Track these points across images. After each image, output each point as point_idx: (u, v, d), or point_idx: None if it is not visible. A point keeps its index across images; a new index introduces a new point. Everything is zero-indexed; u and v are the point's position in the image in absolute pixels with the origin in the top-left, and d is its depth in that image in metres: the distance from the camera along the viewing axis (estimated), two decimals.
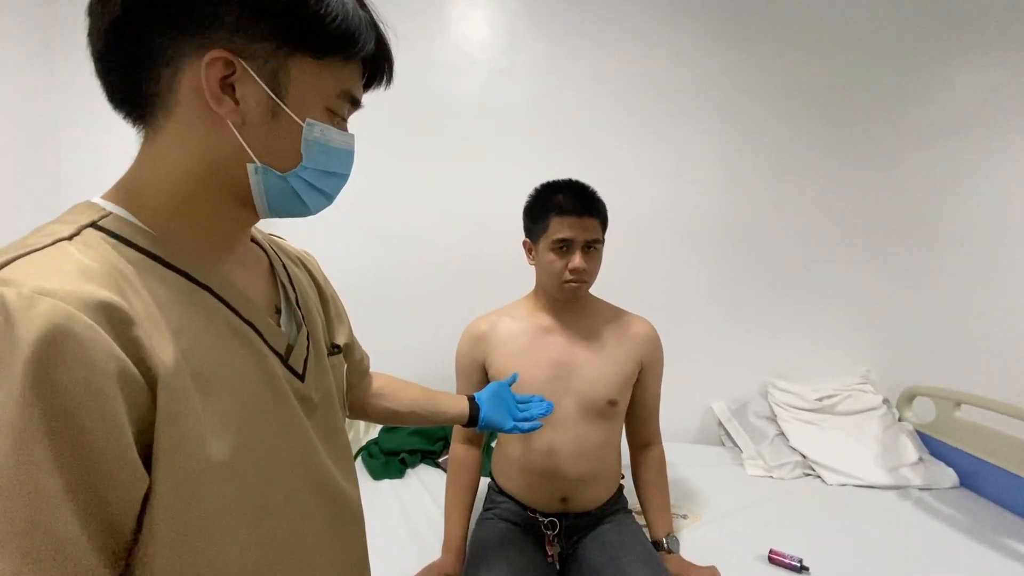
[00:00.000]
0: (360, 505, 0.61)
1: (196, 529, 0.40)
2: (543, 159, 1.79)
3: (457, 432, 1.19)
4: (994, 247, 1.86)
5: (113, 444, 0.34)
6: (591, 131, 1.85)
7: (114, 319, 0.35)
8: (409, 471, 1.54)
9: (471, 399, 0.91)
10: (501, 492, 1.17)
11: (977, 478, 1.51)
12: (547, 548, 1.07)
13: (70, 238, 0.38)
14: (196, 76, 0.41)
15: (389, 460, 1.54)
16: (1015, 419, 1.36)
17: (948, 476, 1.54)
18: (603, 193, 1.11)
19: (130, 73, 0.42)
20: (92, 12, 0.42)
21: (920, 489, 1.50)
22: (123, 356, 0.35)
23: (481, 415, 0.89)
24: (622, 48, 1.82)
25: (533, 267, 1.15)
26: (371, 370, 0.83)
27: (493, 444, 1.32)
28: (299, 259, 0.66)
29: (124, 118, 0.45)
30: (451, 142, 1.83)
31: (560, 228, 1.04)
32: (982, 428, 1.52)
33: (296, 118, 0.45)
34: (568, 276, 1.05)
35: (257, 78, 0.42)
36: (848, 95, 1.85)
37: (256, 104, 0.43)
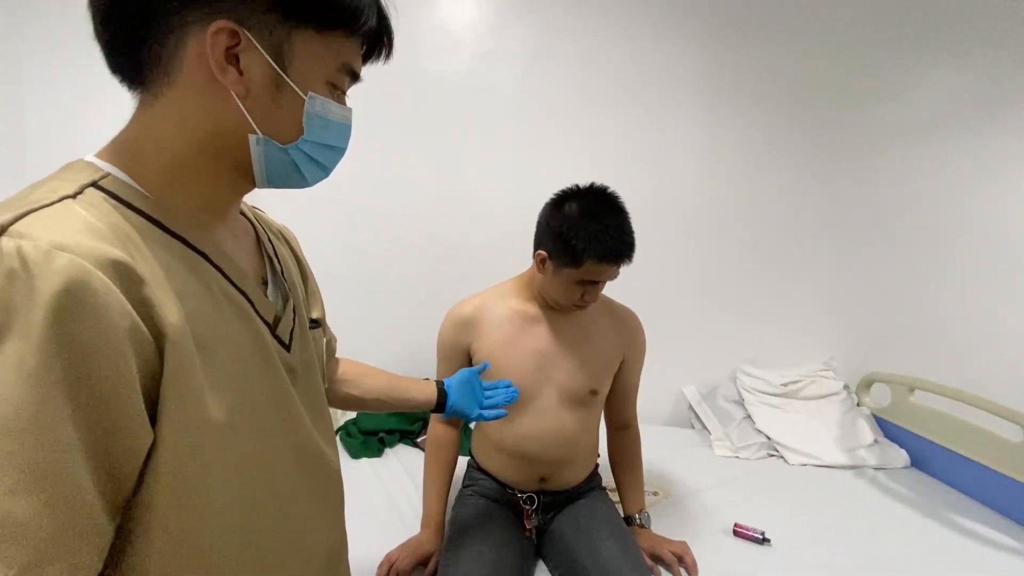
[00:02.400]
0: (340, 473, 0.63)
1: (196, 487, 0.40)
2: (527, 142, 1.80)
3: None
4: (949, 242, 1.96)
5: (124, 398, 0.35)
6: (575, 115, 1.85)
7: (125, 277, 0.36)
8: (387, 450, 1.55)
9: (439, 384, 0.90)
10: (480, 469, 1.19)
11: (927, 459, 1.60)
12: (525, 522, 1.10)
13: (74, 196, 0.38)
14: (201, 45, 0.41)
15: (367, 439, 1.55)
16: (963, 404, 1.45)
17: (900, 457, 1.64)
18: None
19: (133, 38, 0.42)
20: None
21: (875, 469, 1.59)
22: (134, 313, 0.36)
23: (449, 402, 0.88)
24: (607, 33, 1.82)
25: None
26: (346, 356, 0.82)
27: (472, 425, 1.34)
28: (280, 233, 0.67)
29: (120, 82, 0.45)
30: (434, 123, 1.81)
31: (595, 272, 0.99)
32: (933, 412, 1.61)
33: (299, 91, 0.45)
34: (579, 303, 1.05)
35: (261, 50, 0.43)
36: (820, 93, 1.90)
37: (260, 76, 0.43)
